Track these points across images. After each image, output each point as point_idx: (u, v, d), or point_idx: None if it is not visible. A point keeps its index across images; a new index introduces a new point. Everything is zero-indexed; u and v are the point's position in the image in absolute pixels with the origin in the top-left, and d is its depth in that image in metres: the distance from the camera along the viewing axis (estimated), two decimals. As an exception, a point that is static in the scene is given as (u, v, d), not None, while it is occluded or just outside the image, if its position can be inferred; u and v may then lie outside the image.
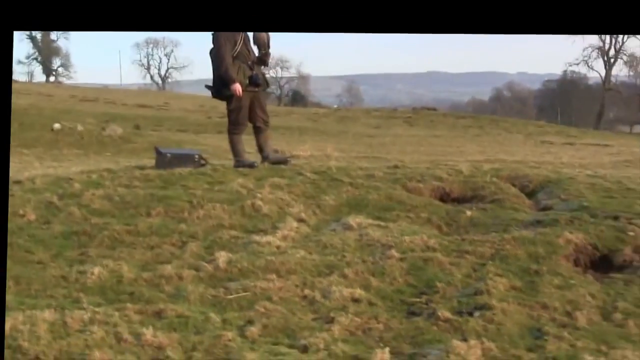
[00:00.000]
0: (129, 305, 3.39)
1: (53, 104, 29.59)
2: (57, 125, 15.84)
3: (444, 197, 6.02)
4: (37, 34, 65.80)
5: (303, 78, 59.78)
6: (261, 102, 6.76)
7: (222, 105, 7.15)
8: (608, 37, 53.92)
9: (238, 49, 6.50)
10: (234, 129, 6.60)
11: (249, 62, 6.58)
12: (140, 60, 72.76)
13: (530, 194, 6.29)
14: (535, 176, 6.74)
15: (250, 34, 6.67)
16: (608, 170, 9.90)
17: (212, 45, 6.60)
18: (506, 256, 4.24)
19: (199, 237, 4.47)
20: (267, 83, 6.91)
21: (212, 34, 6.52)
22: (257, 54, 6.74)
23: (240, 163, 6.52)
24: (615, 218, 5.01)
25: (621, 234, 4.68)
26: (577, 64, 55.94)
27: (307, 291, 3.64)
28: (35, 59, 67.15)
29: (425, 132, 31.35)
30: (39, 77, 67.25)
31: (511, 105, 67.82)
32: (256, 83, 6.59)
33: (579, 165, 10.78)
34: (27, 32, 64.86)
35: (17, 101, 27.97)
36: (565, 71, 58.02)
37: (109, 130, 15.80)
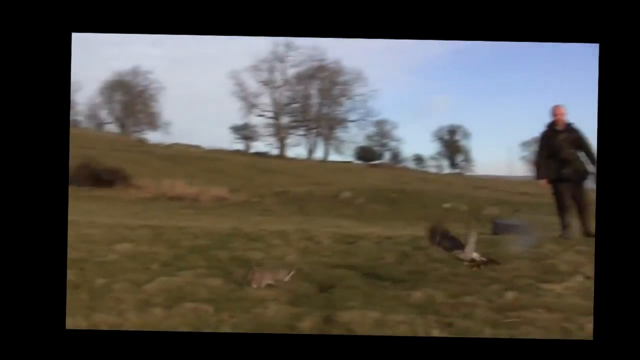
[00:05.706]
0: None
1: (452, 189, 31.92)
2: (446, 205, 18.68)
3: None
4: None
5: None
6: None
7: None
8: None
9: None
10: None
11: None
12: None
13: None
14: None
15: None
16: None
17: None
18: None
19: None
20: None
21: None
22: None
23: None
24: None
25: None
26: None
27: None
28: (444, 154, 71.93)
29: None
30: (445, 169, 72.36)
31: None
32: None
33: None
34: (438, 136, 70.11)
35: (424, 187, 30.20)
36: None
37: (487, 210, 17.86)
